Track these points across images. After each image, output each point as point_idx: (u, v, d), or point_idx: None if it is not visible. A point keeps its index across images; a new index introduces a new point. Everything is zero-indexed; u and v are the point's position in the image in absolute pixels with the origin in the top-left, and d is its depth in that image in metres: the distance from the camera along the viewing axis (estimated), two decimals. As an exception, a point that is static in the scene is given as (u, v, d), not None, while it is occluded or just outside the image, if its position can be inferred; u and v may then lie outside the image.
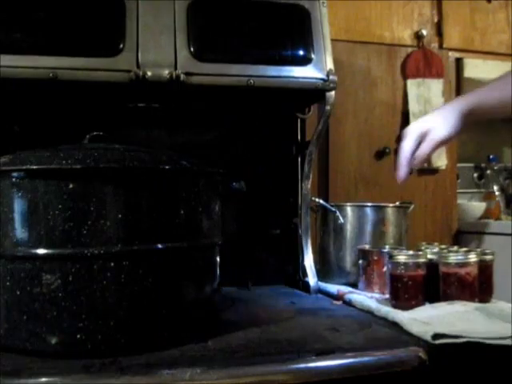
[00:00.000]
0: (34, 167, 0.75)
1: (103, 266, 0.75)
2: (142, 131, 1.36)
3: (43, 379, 0.68)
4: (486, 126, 1.87)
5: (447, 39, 1.88)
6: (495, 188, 2.15)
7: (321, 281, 1.28)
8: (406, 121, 1.82)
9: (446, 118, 1.01)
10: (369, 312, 1.02)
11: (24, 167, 0.76)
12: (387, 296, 1.04)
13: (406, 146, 1.02)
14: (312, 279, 1.25)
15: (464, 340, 0.79)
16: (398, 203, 1.35)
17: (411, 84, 1.84)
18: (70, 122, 1.26)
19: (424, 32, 1.84)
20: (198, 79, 1.11)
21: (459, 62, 1.92)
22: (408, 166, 1.02)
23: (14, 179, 0.76)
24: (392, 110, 1.83)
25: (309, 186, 1.31)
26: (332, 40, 1.22)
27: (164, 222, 0.80)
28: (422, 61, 1.84)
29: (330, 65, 1.19)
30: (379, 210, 1.30)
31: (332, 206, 1.32)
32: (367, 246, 1.22)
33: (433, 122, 1.02)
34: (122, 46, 1.08)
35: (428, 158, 1.04)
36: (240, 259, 1.34)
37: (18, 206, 0.76)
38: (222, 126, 1.43)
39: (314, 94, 1.22)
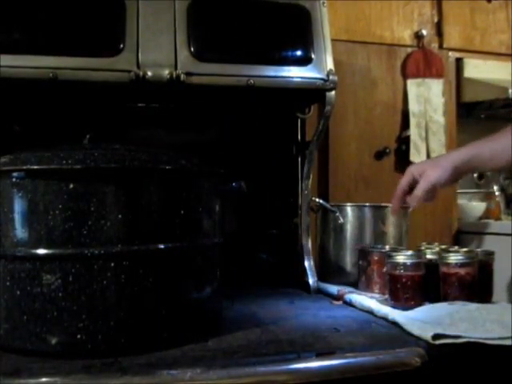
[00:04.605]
0: (35, 167, 0.75)
1: (103, 266, 0.75)
2: (142, 131, 1.36)
3: (43, 379, 0.68)
4: (485, 126, 1.87)
5: (447, 39, 1.88)
6: (495, 188, 2.14)
7: (321, 281, 1.28)
8: (406, 121, 1.82)
9: (442, 166, 1.09)
10: (369, 312, 1.02)
11: (24, 167, 0.76)
12: (387, 296, 1.04)
13: (402, 183, 1.13)
14: (312, 279, 1.25)
15: (464, 340, 0.79)
16: (398, 203, 1.35)
17: (411, 84, 1.83)
18: (70, 122, 1.26)
19: (424, 32, 1.84)
20: (198, 79, 1.11)
21: (459, 62, 1.91)
22: (399, 201, 1.14)
23: (14, 179, 0.76)
24: (392, 110, 1.83)
25: (309, 186, 1.31)
26: (332, 40, 1.22)
27: (164, 222, 0.80)
28: (421, 61, 1.84)
29: (330, 65, 1.19)
30: (379, 209, 1.30)
31: (332, 206, 1.32)
32: (367, 246, 1.22)
33: (430, 166, 1.11)
34: (122, 45, 1.08)
35: (425, 198, 1.10)
36: (240, 259, 1.34)
37: (18, 206, 0.76)
38: (221, 126, 1.43)
39: (314, 94, 1.22)
